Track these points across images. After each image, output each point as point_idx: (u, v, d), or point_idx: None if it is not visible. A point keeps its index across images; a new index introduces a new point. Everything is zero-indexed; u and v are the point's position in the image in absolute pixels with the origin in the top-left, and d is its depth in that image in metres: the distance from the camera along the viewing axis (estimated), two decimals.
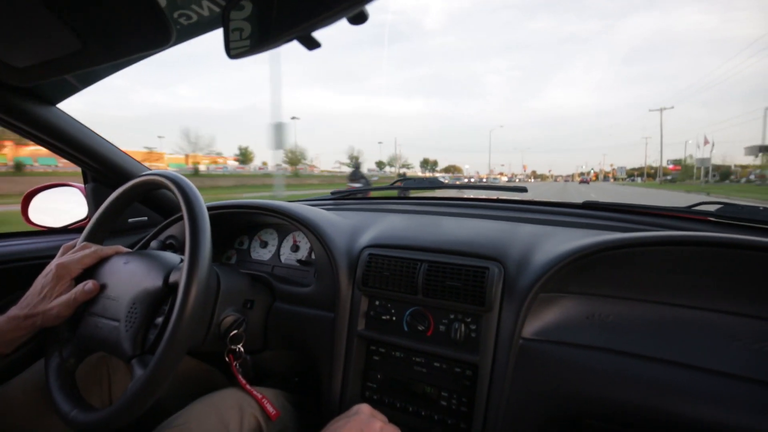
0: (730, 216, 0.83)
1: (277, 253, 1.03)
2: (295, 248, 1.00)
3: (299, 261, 0.95)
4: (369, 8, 0.42)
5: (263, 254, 1.05)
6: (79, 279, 0.68)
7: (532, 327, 0.67)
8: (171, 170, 0.72)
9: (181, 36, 0.65)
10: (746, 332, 0.58)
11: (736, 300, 0.60)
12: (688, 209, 0.89)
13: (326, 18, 0.41)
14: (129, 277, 0.66)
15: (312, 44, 0.46)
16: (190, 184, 0.67)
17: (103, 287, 0.67)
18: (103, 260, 0.71)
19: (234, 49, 0.54)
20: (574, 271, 0.66)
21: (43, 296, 0.65)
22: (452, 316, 0.71)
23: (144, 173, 0.74)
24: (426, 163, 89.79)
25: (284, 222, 0.93)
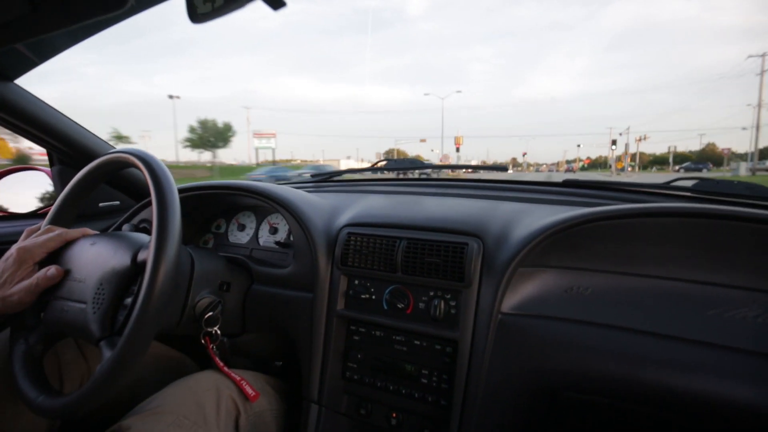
0: (706, 190, 0.84)
1: (256, 236, 1.00)
2: (274, 230, 0.98)
3: (278, 243, 0.93)
4: None
5: (241, 237, 1.02)
6: (42, 263, 0.65)
7: (511, 301, 0.67)
8: (138, 147, 0.68)
9: (142, 1, 0.61)
10: (721, 301, 0.59)
11: (711, 270, 0.61)
12: (666, 185, 0.91)
13: None
14: (96, 257, 0.64)
15: (276, 3, 0.44)
16: (158, 160, 0.64)
17: (68, 271, 0.64)
18: (69, 243, 0.68)
19: (199, 12, 0.51)
20: (552, 245, 0.66)
21: (3, 282, 0.62)
22: (431, 293, 0.71)
23: (110, 151, 0.71)
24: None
25: (262, 203, 0.91)
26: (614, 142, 41.96)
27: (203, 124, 37.44)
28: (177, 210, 0.59)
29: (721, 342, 0.56)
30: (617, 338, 0.61)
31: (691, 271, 0.62)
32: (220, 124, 38.77)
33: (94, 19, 0.55)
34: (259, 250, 0.98)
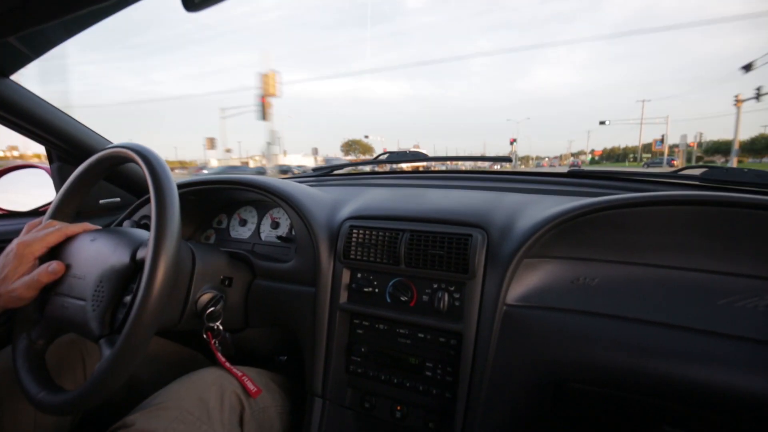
0: (715, 179, 0.82)
1: (257, 231, 0.99)
2: (275, 225, 0.97)
3: (279, 237, 0.93)
4: None
5: (243, 232, 1.01)
6: (43, 258, 0.64)
7: (516, 293, 0.66)
8: (138, 143, 0.67)
9: None
10: (732, 291, 0.58)
11: (720, 259, 0.60)
12: (674, 174, 0.89)
13: None
14: (95, 254, 0.63)
15: None
16: (156, 154, 0.63)
17: (68, 266, 0.63)
18: (70, 238, 0.67)
19: (195, 1, 0.50)
20: (557, 236, 0.65)
21: (4, 277, 0.61)
22: (435, 286, 0.70)
23: (109, 146, 0.70)
24: None
25: (263, 198, 0.90)
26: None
27: None
28: (176, 206, 0.58)
29: (731, 332, 0.55)
30: (624, 329, 0.59)
31: (700, 260, 0.61)
32: None
33: (86, 9, 0.53)
34: (261, 245, 0.97)
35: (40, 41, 0.76)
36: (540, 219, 0.65)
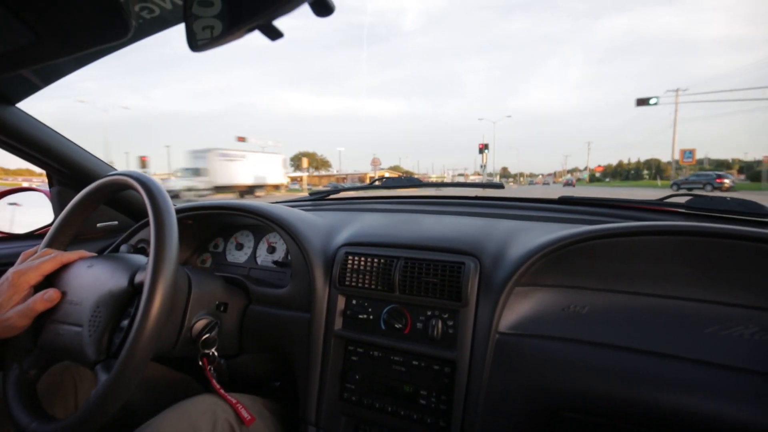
0: (700, 207, 0.85)
1: (254, 255, 1.00)
2: (272, 249, 0.98)
3: (276, 262, 0.93)
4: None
5: (239, 257, 1.02)
6: (39, 287, 0.64)
7: (508, 321, 0.67)
8: (138, 170, 0.69)
9: (143, 30, 0.63)
10: (718, 319, 0.59)
11: (707, 288, 0.61)
12: (660, 201, 0.91)
13: (287, 5, 0.40)
14: (92, 280, 0.64)
15: (274, 34, 0.45)
16: (156, 182, 0.65)
17: (64, 293, 0.64)
18: (66, 266, 0.68)
19: (199, 42, 0.52)
20: (548, 264, 0.66)
21: None
22: (429, 313, 0.71)
23: (109, 173, 0.71)
24: None
25: (259, 223, 0.91)
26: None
27: None
28: (175, 232, 0.60)
29: (718, 360, 0.56)
30: (614, 357, 0.60)
31: (687, 288, 0.62)
32: None
33: (96, 48, 0.56)
34: (257, 270, 0.98)
35: (51, 72, 0.79)
36: (531, 248, 0.67)
